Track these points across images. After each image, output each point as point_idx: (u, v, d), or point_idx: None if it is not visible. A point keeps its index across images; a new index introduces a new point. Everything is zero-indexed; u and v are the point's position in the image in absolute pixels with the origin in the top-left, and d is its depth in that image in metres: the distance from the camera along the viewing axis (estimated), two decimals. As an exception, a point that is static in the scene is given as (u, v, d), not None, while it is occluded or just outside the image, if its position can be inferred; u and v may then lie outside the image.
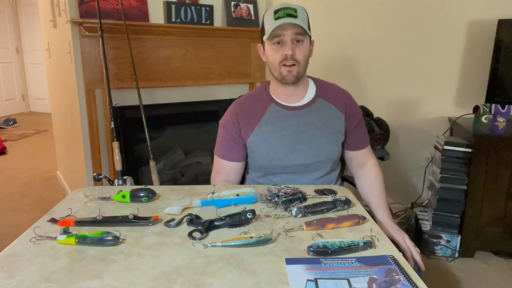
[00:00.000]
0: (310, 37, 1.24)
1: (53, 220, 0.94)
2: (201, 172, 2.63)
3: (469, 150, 2.07)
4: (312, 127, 1.29)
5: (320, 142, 1.29)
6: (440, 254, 2.18)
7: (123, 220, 0.93)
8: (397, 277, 0.72)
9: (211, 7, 2.45)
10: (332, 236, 0.89)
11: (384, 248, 0.84)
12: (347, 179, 1.48)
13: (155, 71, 2.33)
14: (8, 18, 6.32)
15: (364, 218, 0.96)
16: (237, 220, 0.93)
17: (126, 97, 2.22)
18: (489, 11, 2.34)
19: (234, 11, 2.55)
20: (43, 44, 3.10)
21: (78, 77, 2.12)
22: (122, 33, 2.08)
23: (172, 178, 2.58)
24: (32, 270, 0.74)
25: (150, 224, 0.93)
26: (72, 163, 2.65)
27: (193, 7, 2.39)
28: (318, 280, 0.71)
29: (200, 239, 0.86)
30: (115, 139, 1.90)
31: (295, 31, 1.18)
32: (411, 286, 0.70)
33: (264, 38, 1.22)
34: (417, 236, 2.26)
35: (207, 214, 0.99)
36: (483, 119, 2.21)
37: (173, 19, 2.34)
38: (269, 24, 1.19)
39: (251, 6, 2.61)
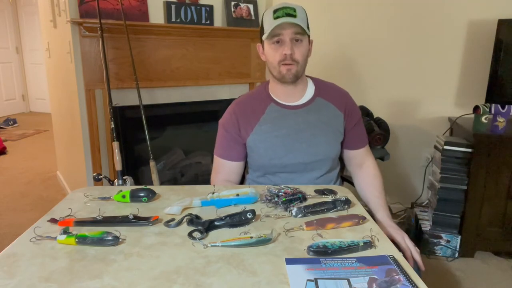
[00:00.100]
0: (309, 36, 1.25)
1: (53, 220, 0.94)
2: (201, 172, 2.63)
3: (469, 150, 2.07)
4: (311, 126, 1.29)
5: (319, 141, 1.29)
6: (440, 254, 2.18)
7: (123, 220, 0.93)
8: (397, 277, 0.72)
9: (211, 7, 2.45)
10: (332, 236, 0.89)
11: (384, 248, 0.84)
12: (347, 179, 1.48)
13: (155, 71, 2.33)
14: (8, 18, 6.32)
15: (364, 218, 0.96)
16: (237, 220, 0.93)
17: (126, 97, 2.22)
18: (489, 11, 2.34)
19: (234, 11, 2.55)
20: (43, 44, 3.10)
21: (78, 77, 2.12)
22: (122, 33, 2.08)
23: (172, 178, 2.58)
24: (32, 270, 0.74)
25: (150, 224, 0.93)
26: (72, 163, 2.65)
27: (193, 7, 2.39)
28: (318, 280, 0.71)
29: (200, 239, 0.86)
30: (115, 139, 1.90)
31: (294, 31, 1.18)
32: (411, 286, 0.70)
33: (263, 37, 1.23)
34: (417, 236, 2.26)
35: (207, 214, 0.99)
36: (483, 119, 2.21)
37: (173, 19, 2.34)
38: (268, 23, 1.19)
39: (251, 6, 2.61)
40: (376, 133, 2.12)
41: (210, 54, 2.52)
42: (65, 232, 0.85)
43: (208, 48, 2.51)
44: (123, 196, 1.06)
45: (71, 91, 2.29)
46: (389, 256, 0.79)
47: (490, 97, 2.26)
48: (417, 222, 2.31)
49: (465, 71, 2.47)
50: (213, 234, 0.90)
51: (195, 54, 2.47)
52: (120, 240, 0.85)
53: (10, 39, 6.41)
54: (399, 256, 0.81)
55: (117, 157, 1.88)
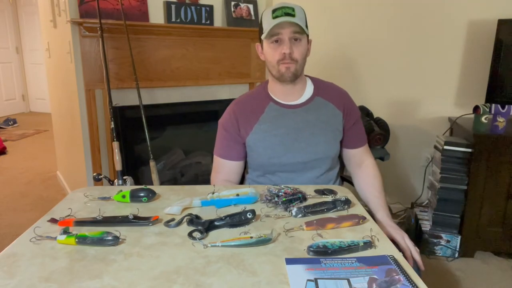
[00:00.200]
0: (307, 36, 1.25)
1: (53, 220, 0.94)
2: (201, 172, 2.63)
3: (469, 150, 2.07)
4: (310, 125, 1.29)
5: (318, 140, 1.29)
6: (440, 254, 2.18)
7: (123, 220, 0.93)
8: (397, 277, 0.72)
9: (211, 7, 2.45)
10: (332, 236, 0.89)
11: (384, 248, 0.84)
12: (347, 179, 1.48)
13: (155, 71, 2.33)
14: (8, 18, 6.32)
15: (364, 218, 0.96)
16: (237, 220, 0.93)
17: (126, 97, 2.22)
18: (489, 11, 2.34)
19: (234, 11, 2.55)
20: (43, 44, 3.10)
21: (78, 77, 2.12)
22: (122, 33, 2.08)
23: (172, 178, 2.58)
24: (32, 270, 0.74)
25: (150, 224, 0.93)
26: (72, 163, 2.65)
27: (193, 7, 2.39)
28: (318, 280, 0.71)
29: (200, 239, 0.86)
30: (115, 139, 1.90)
31: (293, 30, 1.19)
32: (411, 286, 0.70)
33: (262, 36, 1.23)
34: (417, 236, 2.26)
35: (207, 214, 0.99)
36: (483, 119, 2.21)
37: (173, 19, 2.34)
38: (267, 23, 1.20)
39: (251, 6, 2.61)
40: (376, 133, 2.12)
41: (210, 54, 2.52)
42: (65, 232, 0.85)
43: (208, 48, 2.51)
44: (123, 196, 1.06)
45: (71, 91, 2.29)
46: (389, 256, 0.79)
47: (490, 97, 2.25)
48: (417, 222, 2.31)
49: (465, 71, 2.47)
50: (213, 234, 0.90)
51: (195, 54, 2.47)
52: (120, 240, 0.85)
53: (10, 39, 6.41)
54: (399, 256, 0.81)
55: (117, 157, 1.88)
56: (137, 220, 0.93)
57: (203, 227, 0.90)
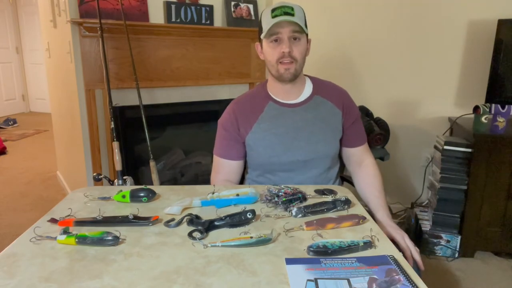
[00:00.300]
0: (307, 35, 1.25)
1: (53, 220, 0.94)
2: (201, 172, 2.63)
3: (469, 150, 2.07)
4: (309, 124, 1.30)
5: (318, 139, 1.29)
6: (440, 254, 2.18)
7: (123, 220, 0.93)
8: (397, 277, 0.72)
9: (211, 7, 2.45)
10: (332, 236, 0.89)
11: (384, 248, 0.84)
12: (347, 179, 1.48)
13: (155, 71, 2.33)
14: (8, 18, 6.32)
15: (364, 218, 0.96)
16: (237, 220, 0.93)
17: (126, 97, 2.22)
18: (489, 11, 2.34)
19: (234, 11, 2.55)
20: (43, 44, 3.10)
21: (78, 77, 2.12)
22: (122, 33, 2.08)
23: (172, 178, 2.58)
24: (32, 270, 0.74)
25: (150, 224, 0.93)
26: (72, 163, 2.65)
27: (193, 7, 2.39)
28: (318, 280, 0.71)
29: (200, 239, 0.86)
30: (115, 139, 1.90)
31: (292, 29, 1.19)
32: (411, 286, 0.70)
33: (262, 36, 1.23)
34: (417, 236, 2.26)
35: (207, 214, 0.99)
36: (483, 119, 2.21)
37: (173, 19, 2.34)
38: (267, 22, 1.20)
39: (251, 6, 2.61)
40: (376, 133, 2.12)
41: (210, 54, 2.52)
42: (65, 232, 0.85)
43: (208, 48, 2.51)
44: (123, 196, 1.06)
45: (71, 91, 2.29)
46: (389, 256, 0.79)
47: (490, 97, 2.25)
48: (417, 222, 2.31)
49: (465, 71, 2.47)
50: (213, 234, 0.90)
51: (195, 54, 2.47)
52: (120, 240, 0.85)
53: (10, 39, 6.41)
54: (399, 256, 0.81)
55: (117, 157, 1.88)
56: (137, 220, 0.93)
57: (203, 227, 0.90)
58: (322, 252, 0.80)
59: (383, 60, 2.57)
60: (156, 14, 2.31)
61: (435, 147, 2.29)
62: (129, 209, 1.00)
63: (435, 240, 2.17)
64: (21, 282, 0.70)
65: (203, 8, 2.42)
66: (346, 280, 0.71)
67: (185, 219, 0.95)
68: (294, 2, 1.23)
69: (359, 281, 0.71)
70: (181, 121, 2.58)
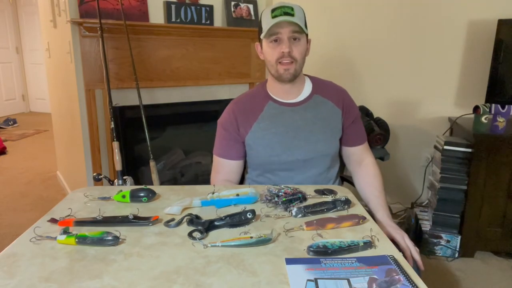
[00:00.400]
0: (307, 35, 1.26)
1: (53, 220, 0.94)
2: (201, 172, 2.63)
3: (469, 150, 2.07)
4: (309, 123, 1.30)
5: (317, 138, 1.29)
6: (440, 254, 2.18)
7: (123, 220, 0.93)
8: (397, 277, 0.72)
9: (211, 7, 2.45)
10: (332, 236, 0.89)
11: (384, 248, 0.84)
12: (347, 179, 1.48)
13: (155, 71, 2.33)
14: (8, 18, 6.32)
15: (364, 218, 0.96)
16: (237, 220, 0.93)
17: (126, 97, 2.22)
18: (489, 11, 2.34)
19: (234, 11, 2.55)
20: (43, 44, 3.10)
21: (78, 77, 2.12)
22: (122, 33, 2.08)
23: (172, 178, 2.58)
24: (32, 270, 0.74)
25: (150, 224, 0.93)
26: (72, 163, 2.65)
27: (193, 7, 2.39)
28: (318, 280, 0.71)
29: (200, 239, 0.86)
30: (115, 139, 1.90)
31: (292, 29, 1.19)
32: (411, 286, 0.70)
33: (262, 36, 1.23)
34: (417, 236, 2.26)
35: (207, 214, 0.99)
36: (483, 119, 2.21)
37: (173, 19, 2.34)
38: (266, 22, 1.20)
39: (251, 6, 2.61)
40: (376, 133, 2.12)
41: (210, 54, 2.52)
42: (65, 232, 0.85)
43: (208, 48, 2.51)
44: (123, 196, 1.06)
45: (71, 91, 2.29)
46: (389, 256, 0.79)
47: (490, 97, 2.25)
48: (417, 222, 2.31)
49: (465, 71, 2.47)
50: (213, 234, 0.90)
51: (195, 54, 2.47)
52: (120, 240, 0.85)
53: (10, 39, 6.41)
54: (399, 256, 0.81)
55: (117, 157, 1.88)
56: (137, 220, 0.93)
57: (203, 227, 0.90)
58: (322, 252, 0.80)
59: (383, 60, 2.57)
60: (156, 14, 2.31)
61: (435, 147, 2.29)
62: (129, 209, 1.00)
63: (435, 240, 2.17)
64: (21, 282, 0.70)
65: (203, 8, 2.42)
66: (346, 280, 0.71)
67: (185, 219, 0.95)
68: (294, 2, 1.23)
69: (359, 281, 0.71)
70: (181, 121, 2.58)
